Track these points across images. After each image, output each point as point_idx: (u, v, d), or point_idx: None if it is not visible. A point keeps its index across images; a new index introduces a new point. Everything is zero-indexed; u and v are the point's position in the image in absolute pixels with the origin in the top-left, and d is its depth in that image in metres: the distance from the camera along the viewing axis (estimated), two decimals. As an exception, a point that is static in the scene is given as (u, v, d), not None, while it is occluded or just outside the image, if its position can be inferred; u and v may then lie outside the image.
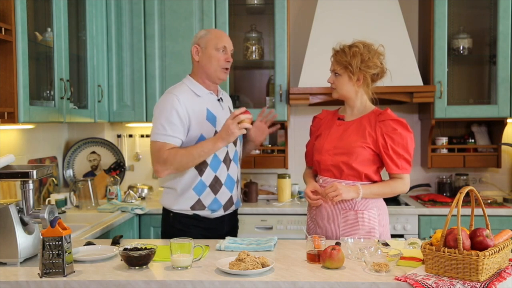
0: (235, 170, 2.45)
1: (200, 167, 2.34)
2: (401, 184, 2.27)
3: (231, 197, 2.44)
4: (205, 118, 2.34)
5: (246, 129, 2.23)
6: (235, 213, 2.56)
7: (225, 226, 2.47)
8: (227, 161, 2.40)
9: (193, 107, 2.32)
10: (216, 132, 2.34)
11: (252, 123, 2.26)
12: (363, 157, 2.24)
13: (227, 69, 2.40)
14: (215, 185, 2.37)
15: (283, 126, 3.59)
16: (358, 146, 2.24)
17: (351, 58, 2.24)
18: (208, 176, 2.36)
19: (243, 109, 2.22)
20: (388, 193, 2.28)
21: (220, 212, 2.42)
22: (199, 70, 2.40)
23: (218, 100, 2.44)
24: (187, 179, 2.35)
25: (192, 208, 2.38)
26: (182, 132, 2.30)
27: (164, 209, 2.47)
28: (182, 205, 2.38)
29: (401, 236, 3.17)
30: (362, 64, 2.24)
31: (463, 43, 3.50)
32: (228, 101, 2.58)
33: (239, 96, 3.73)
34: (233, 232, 2.56)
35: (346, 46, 2.30)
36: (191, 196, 2.37)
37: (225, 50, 2.37)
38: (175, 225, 2.42)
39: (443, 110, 3.40)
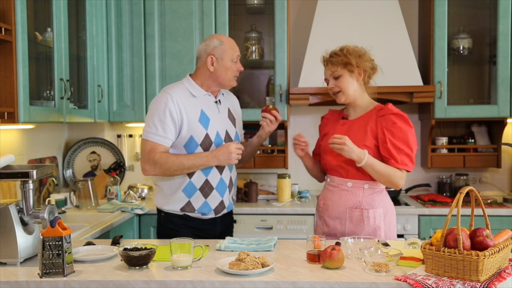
0: (228, 174, 2.44)
1: None
2: (399, 176, 2.22)
3: (222, 202, 2.42)
4: (197, 119, 2.33)
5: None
6: (228, 214, 2.54)
7: (217, 228, 2.46)
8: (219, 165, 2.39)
9: (187, 107, 2.31)
10: (207, 134, 2.33)
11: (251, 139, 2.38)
12: None
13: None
14: (206, 188, 2.36)
15: (283, 126, 3.59)
16: (361, 146, 2.23)
17: (348, 55, 2.26)
18: (198, 178, 2.35)
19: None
20: (386, 176, 2.21)
21: (211, 215, 2.42)
22: (209, 78, 2.38)
23: (216, 102, 2.43)
24: (175, 179, 2.36)
25: (182, 210, 2.38)
26: (174, 133, 2.31)
27: (157, 209, 2.49)
28: (172, 206, 2.39)
29: (401, 236, 3.17)
30: (359, 59, 2.27)
31: (463, 43, 3.50)
32: (229, 102, 2.53)
33: (239, 96, 3.71)
34: (227, 233, 2.53)
35: (336, 49, 2.33)
36: (181, 197, 2.37)
37: (238, 59, 2.40)
38: (166, 224, 2.43)
39: (443, 110, 3.40)
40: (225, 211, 2.47)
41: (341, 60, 2.27)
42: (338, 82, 2.30)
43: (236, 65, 2.39)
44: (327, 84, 2.36)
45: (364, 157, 2.17)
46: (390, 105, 2.29)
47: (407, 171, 2.25)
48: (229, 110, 2.50)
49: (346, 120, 2.38)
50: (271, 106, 2.48)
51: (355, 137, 2.26)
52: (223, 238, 2.28)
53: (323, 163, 2.41)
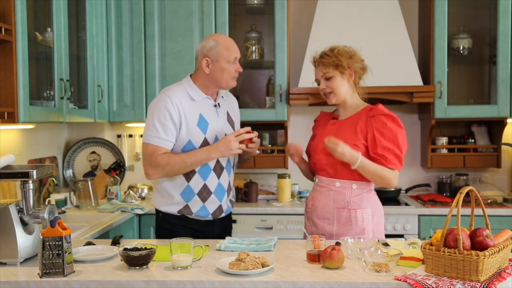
0: (226, 178, 2.42)
1: (188, 173, 2.33)
2: (392, 176, 2.21)
3: (220, 206, 2.42)
4: (196, 123, 2.32)
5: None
6: (227, 216, 2.52)
7: (215, 229, 2.45)
8: (217, 169, 2.37)
9: (186, 110, 2.30)
10: (205, 139, 2.32)
11: (251, 140, 2.29)
12: None
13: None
14: (204, 193, 2.36)
15: (283, 126, 3.59)
16: (350, 145, 2.22)
17: (339, 56, 2.26)
18: (196, 183, 2.34)
19: (248, 128, 2.28)
20: (379, 176, 2.20)
21: (209, 218, 2.42)
22: (207, 80, 2.36)
23: (215, 106, 2.41)
24: (174, 183, 2.35)
25: (180, 212, 2.38)
26: (175, 135, 2.30)
27: (155, 209, 2.48)
28: (170, 208, 2.39)
29: (401, 236, 3.17)
30: (350, 60, 2.27)
31: (463, 43, 3.50)
32: (228, 106, 2.51)
33: (239, 96, 3.72)
34: (225, 234, 2.50)
35: (326, 50, 2.32)
36: (179, 201, 2.36)
37: (235, 60, 2.36)
38: (164, 225, 2.43)
39: (443, 110, 3.40)
40: (223, 214, 2.46)
41: (332, 61, 2.27)
42: (329, 83, 2.30)
43: (234, 66, 2.35)
44: (318, 85, 2.36)
45: (357, 161, 2.17)
46: (381, 106, 2.29)
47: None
48: (228, 113, 2.48)
49: (336, 120, 2.38)
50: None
51: (345, 136, 2.26)
52: (221, 238, 2.28)
53: (312, 163, 2.40)
